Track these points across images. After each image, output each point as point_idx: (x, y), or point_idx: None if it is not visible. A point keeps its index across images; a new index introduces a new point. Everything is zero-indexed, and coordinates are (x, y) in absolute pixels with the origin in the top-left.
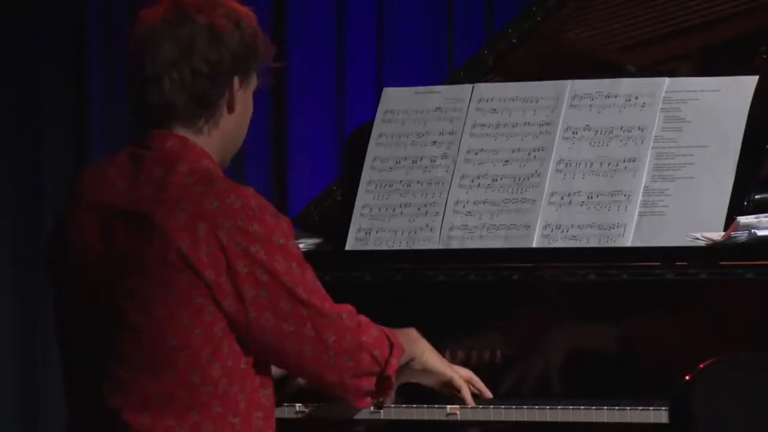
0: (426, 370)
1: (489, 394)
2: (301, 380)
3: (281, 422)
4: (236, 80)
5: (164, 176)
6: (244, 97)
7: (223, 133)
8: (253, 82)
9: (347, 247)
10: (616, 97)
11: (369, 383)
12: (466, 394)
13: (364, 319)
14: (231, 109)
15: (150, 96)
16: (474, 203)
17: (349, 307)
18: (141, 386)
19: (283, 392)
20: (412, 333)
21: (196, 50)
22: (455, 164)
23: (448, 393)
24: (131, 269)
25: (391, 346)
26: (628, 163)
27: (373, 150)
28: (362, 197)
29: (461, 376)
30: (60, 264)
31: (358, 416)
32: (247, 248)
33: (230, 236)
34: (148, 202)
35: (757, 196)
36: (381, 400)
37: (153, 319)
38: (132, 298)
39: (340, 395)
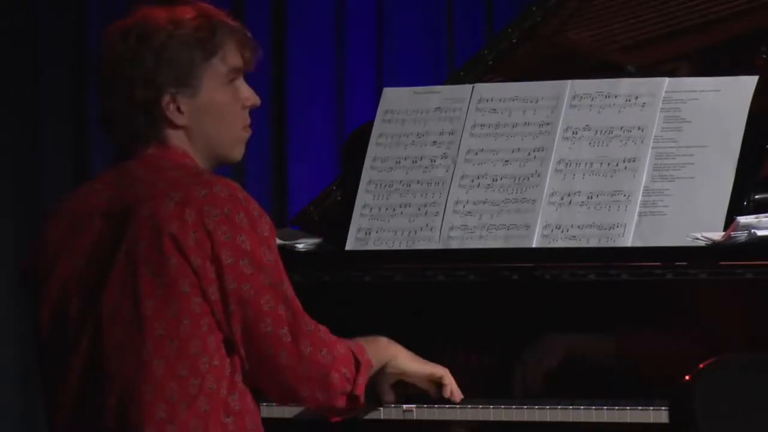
0: (403, 373)
1: (460, 395)
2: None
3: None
4: (166, 99)
5: (149, 175)
6: (206, 98)
7: (200, 137)
8: (215, 75)
9: (347, 247)
10: (616, 97)
11: (341, 402)
12: (450, 382)
13: (333, 336)
14: (173, 125)
15: (112, 130)
16: (474, 203)
17: (321, 325)
18: (133, 379)
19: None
20: (381, 341)
21: (137, 96)
22: (455, 164)
23: (436, 395)
24: (120, 266)
25: (358, 364)
26: (628, 163)
27: (373, 150)
28: (362, 197)
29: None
30: (45, 272)
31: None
32: (234, 238)
33: (217, 224)
34: (137, 198)
35: (757, 196)
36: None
37: (143, 312)
38: (123, 293)
39: (313, 410)
